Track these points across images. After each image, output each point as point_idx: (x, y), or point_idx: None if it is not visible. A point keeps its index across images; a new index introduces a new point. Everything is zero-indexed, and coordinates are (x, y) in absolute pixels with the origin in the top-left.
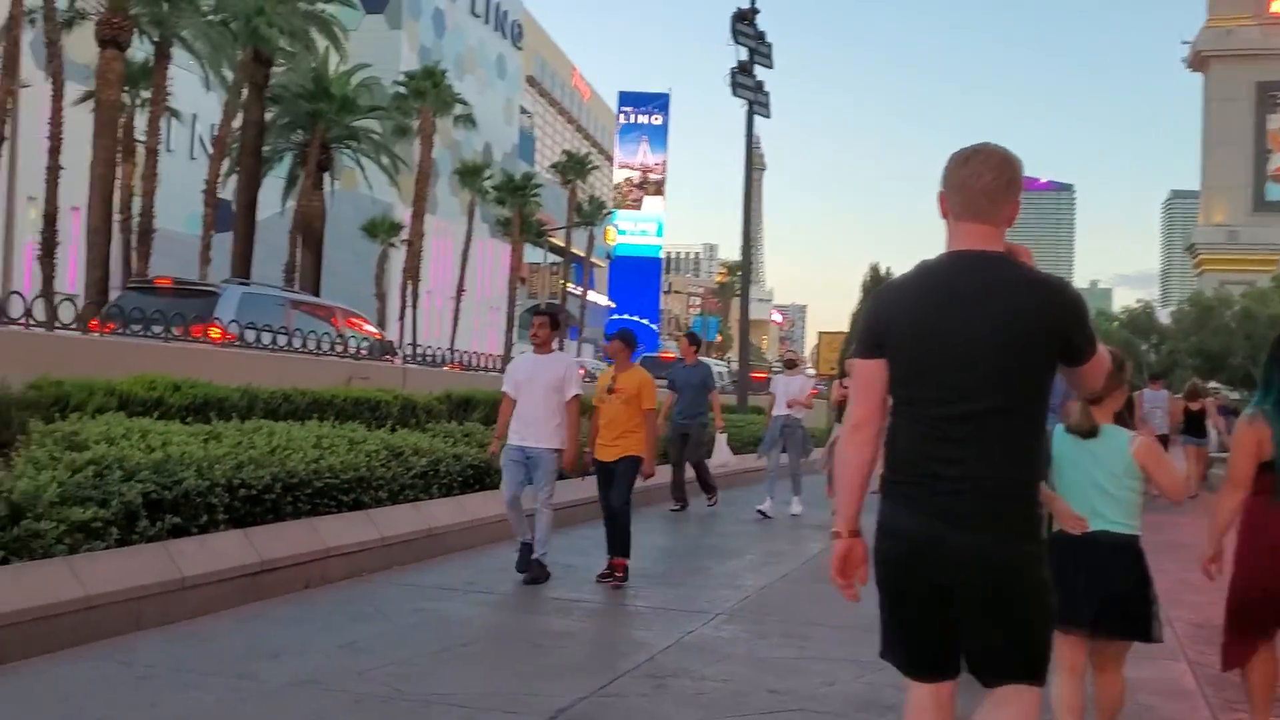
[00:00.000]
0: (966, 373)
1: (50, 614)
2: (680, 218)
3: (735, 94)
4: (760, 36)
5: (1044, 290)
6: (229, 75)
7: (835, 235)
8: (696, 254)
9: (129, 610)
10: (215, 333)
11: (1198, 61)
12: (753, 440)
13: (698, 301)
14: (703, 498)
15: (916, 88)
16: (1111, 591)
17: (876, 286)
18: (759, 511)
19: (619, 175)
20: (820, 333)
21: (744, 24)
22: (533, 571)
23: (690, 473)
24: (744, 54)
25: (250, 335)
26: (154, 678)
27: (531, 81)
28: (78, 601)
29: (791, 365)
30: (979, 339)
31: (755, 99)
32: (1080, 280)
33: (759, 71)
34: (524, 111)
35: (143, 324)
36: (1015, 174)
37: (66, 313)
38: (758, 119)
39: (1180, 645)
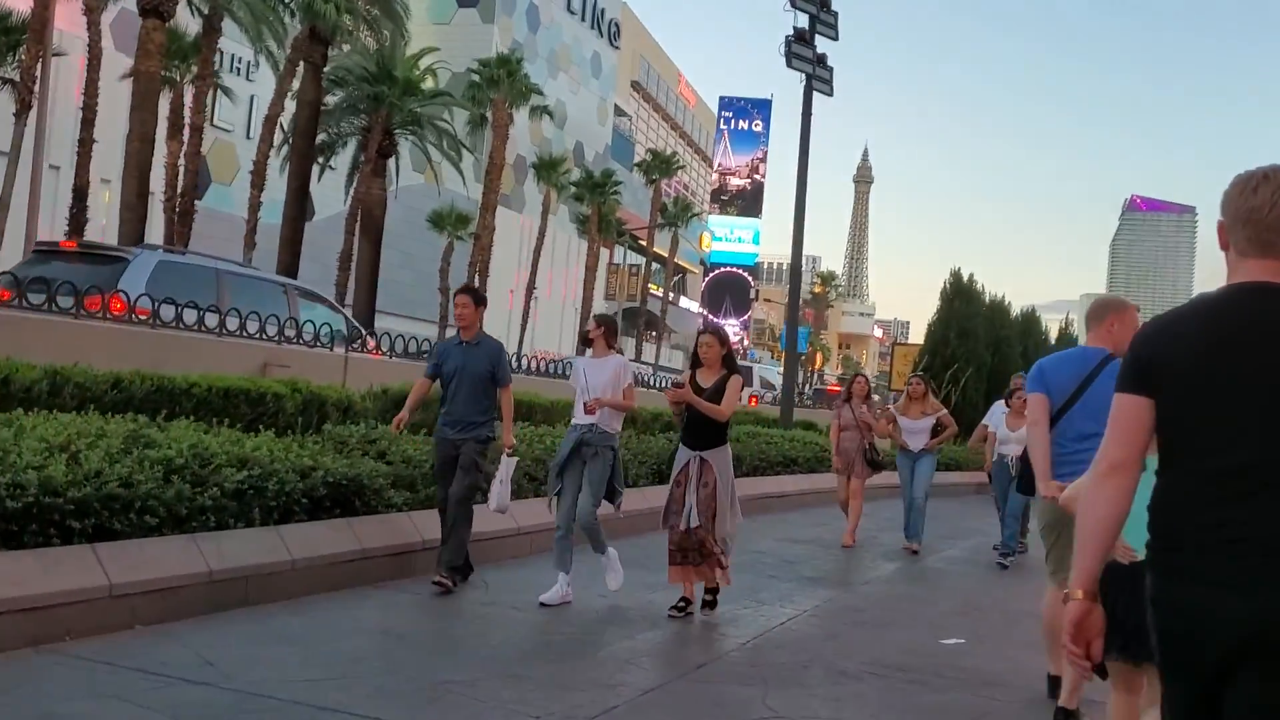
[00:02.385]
0: (1258, 419)
1: None
2: (781, 229)
3: (790, 65)
4: (824, 3)
5: None
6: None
7: (948, 252)
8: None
9: None
10: (116, 306)
11: None
12: (779, 461)
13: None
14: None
15: (1034, 102)
16: None
17: (958, 294)
18: (542, 603)
19: (717, 180)
20: (894, 345)
21: None
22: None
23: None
24: (804, 20)
25: (171, 312)
26: None
27: (636, 86)
28: None
29: (587, 341)
30: (1272, 381)
31: (814, 73)
32: None
33: (822, 44)
34: (621, 113)
35: (44, 295)
36: None
37: None
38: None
39: None
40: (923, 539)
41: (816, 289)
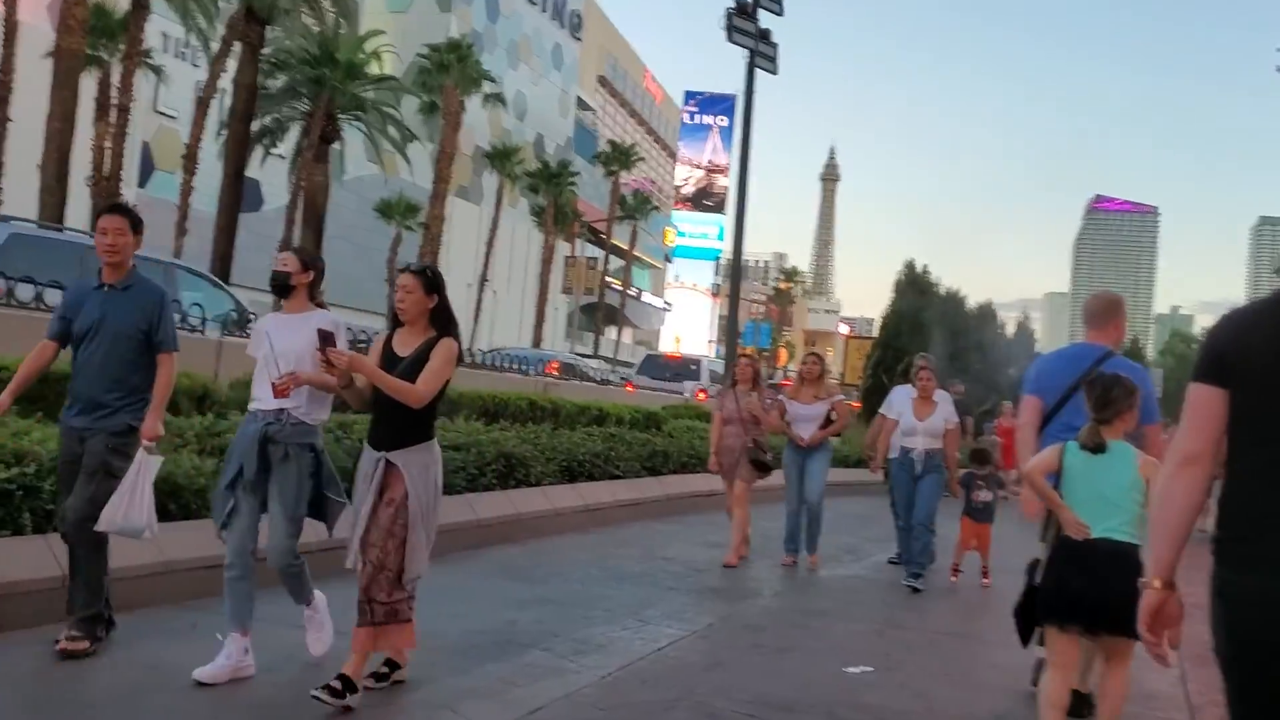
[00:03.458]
0: None
1: None
2: (750, 227)
3: (731, 40)
4: None
5: None
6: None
7: (914, 250)
8: (766, 262)
9: None
10: None
11: None
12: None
13: (761, 309)
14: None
15: (997, 98)
16: (1109, 593)
17: (911, 285)
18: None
19: (680, 174)
20: (847, 339)
21: None
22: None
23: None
24: None
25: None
26: None
27: (602, 81)
28: None
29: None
30: None
31: (757, 49)
32: (1161, 305)
33: (766, 20)
34: (586, 107)
35: None
36: None
37: None
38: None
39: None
40: (817, 549)
41: (782, 285)
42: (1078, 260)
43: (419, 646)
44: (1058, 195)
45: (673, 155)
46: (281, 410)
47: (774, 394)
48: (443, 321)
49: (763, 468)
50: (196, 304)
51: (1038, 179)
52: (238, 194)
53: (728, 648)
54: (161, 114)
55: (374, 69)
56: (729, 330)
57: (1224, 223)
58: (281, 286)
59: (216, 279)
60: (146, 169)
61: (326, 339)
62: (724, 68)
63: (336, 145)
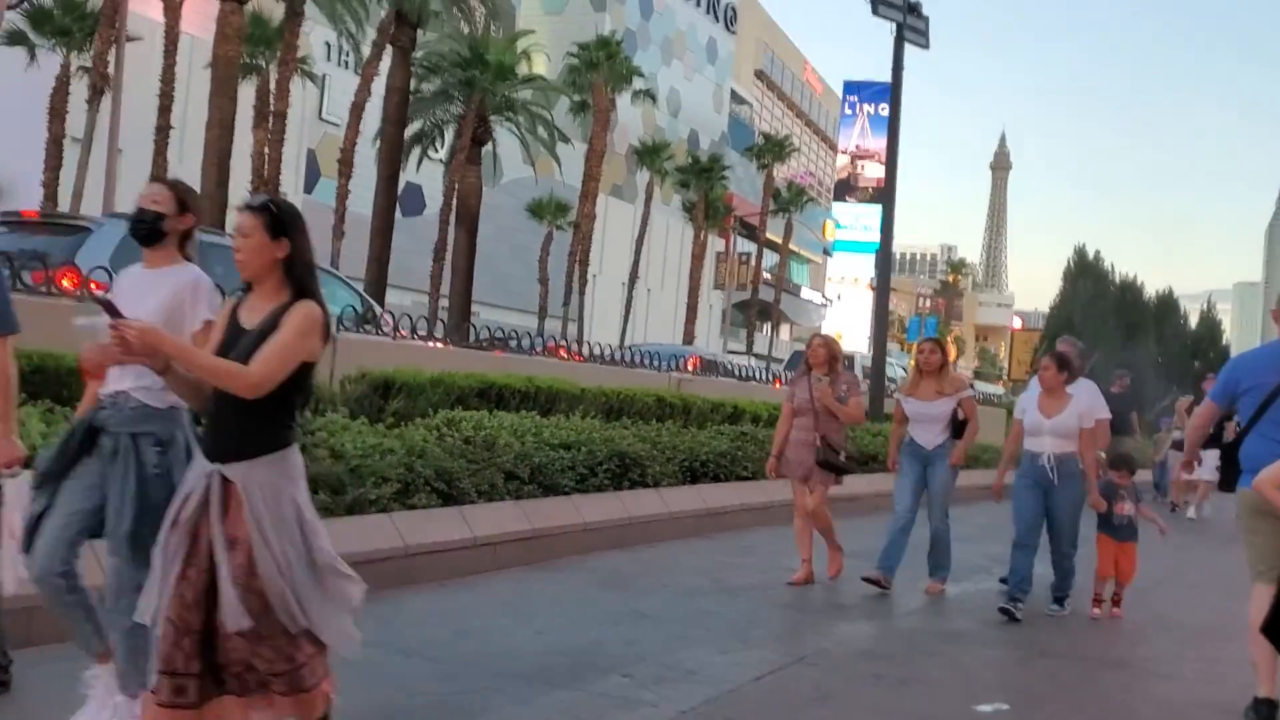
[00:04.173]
0: None
1: None
2: (917, 219)
3: (876, 12)
4: None
5: None
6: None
7: (1092, 242)
8: (934, 254)
9: None
10: (68, 281)
11: None
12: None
13: (927, 302)
14: None
15: (1181, 85)
16: None
17: (1083, 272)
18: None
19: (840, 164)
20: (1013, 332)
21: None
22: None
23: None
24: None
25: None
26: None
27: (759, 75)
28: None
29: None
30: None
31: (905, 21)
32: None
33: None
34: (742, 101)
35: None
36: None
37: None
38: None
39: None
40: (948, 571)
41: (950, 278)
42: (1271, 246)
43: (485, 668)
44: (1249, 180)
45: (833, 148)
46: (119, 392)
47: (854, 379)
48: (299, 278)
49: (836, 470)
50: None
51: (1228, 163)
52: (392, 197)
53: (839, 677)
54: (326, 121)
55: (524, 69)
56: (878, 319)
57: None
58: (150, 232)
59: (338, 274)
60: (312, 175)
61: (109, 307)
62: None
63: (490, 148)
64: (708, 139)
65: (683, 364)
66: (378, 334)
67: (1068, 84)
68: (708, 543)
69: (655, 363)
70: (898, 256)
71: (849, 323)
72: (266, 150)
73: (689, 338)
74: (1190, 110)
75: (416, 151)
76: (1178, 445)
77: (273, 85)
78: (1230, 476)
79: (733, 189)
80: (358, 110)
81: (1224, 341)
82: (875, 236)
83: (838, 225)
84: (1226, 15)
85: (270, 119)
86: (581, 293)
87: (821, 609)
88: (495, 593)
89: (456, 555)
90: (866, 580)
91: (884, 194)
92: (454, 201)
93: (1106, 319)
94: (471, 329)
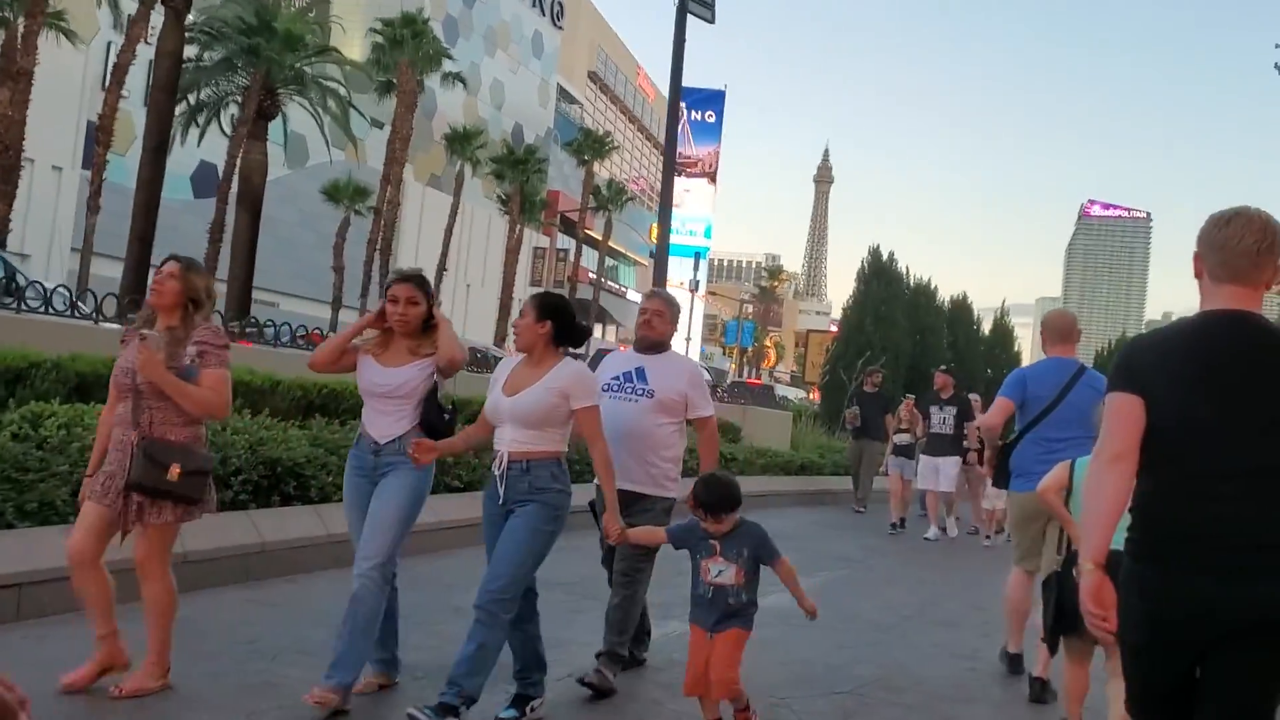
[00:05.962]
0: (1243, 431)
1: None
2: (734, 223)
3: None
4: None
5: None
6: None
7: (907, 254)
8: (758, 262)
9: None
10: None
11: None
12: None
13: (750, 308)
14: None
15: (993, 107)
16: None
17: (876, 274)
18: None
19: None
20: (809, 332)
21: None
22: None
23: None
24: None
25: None
26: None
27: (593, 77)
28: None
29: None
30: (1255, 398)
31: None
32: (1153, 312)
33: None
34: (573, 100)
35: None
36: (1276, 237)
37: None
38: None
39: None
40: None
41: (770, 284)
42: (1069, 266)
43: None
44: (1053, 201)
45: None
46: None
47: (216, 332)
48: None
49: (161, 493)
50: None
51: (1033, 185)
52: (159, 170)
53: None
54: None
55: (327, 45)
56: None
57: None
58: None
59: None
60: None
61: None
62: (714, 68)
63: (292, 127)
64: (533, 133)
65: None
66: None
67: (890, 104)
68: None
69: None
70: (723, 263)
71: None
72: (10, 113)
73: (501, 336)
74: (1005, 134)
75: (206, 127)
76: (900, 450)
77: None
78: (1003, 478)
79: (560, 186)
80: (120, 74)
81: (1016, 349)
82: (701, 241)
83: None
84: (1041, 43)
85: (16, 78)
86: (381, 283)
87: None
88: None
89: None
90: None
91: (664, 180)
92: (234, 179)
93: (898, 321)
94: (254, 321)
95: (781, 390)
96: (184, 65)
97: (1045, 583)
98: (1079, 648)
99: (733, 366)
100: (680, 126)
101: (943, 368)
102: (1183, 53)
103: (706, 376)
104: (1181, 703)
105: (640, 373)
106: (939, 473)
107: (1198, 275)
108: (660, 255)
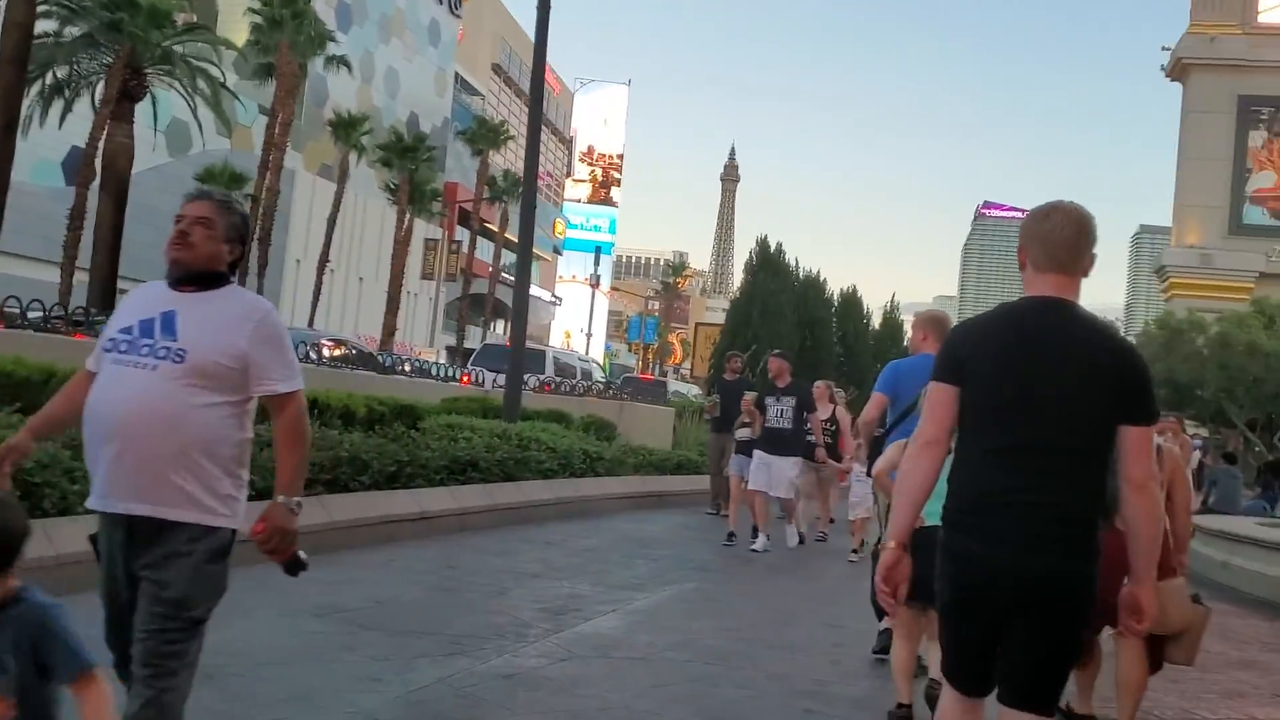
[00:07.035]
0: (1043, 408)
1: None
2: (640, 218)
3: None
4: None
5: (1118, 347)
6: None
7: (811, 253)
8: (666, 260)
9: None
10: None
11: (1177, 70)
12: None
13: (656, 305)
14: None
15: (888, 101)
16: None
17: (764, 266)
18: None
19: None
20: (697, 325)
21: None
22: None
23: None
24: None
25: None
26: None
27: (497, 69)
28: None
29: None
30: (1056, 380)
31: None
32: None
33: None
34: (474, 92)
35: None
36: (1093, 228)
37: None
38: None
39: None
40: None
41: (674, 281)
42: (965, 264)
43: None
44: (951, 202)
45: (568, 147)
46: None
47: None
48: None
49: None
50: None
51: (932, 186)
52: (9, 150)
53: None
54: None
55: (182, 16)
56: (517, 300)
57: (1106, 231)
58: None
59: None
60: None
61: None
62: (630, 68)
63: (171, 111)
64: (429, 123)
65: (316, 349)
66: None
67: (796, 105)
68: None
69: None
70: (631, 260)
71: (572, 321)
72: None
73: (389, 330)
74: (908, 135)
75: (69, 108)
76: (742, 447)
77: None
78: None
79: (459, 178)
80: None
81: (905, 343)
82: (606, 237)
83: (569, 225)
84: (944, 48)
85: None
86: (260, 274)
87: None
88: None
89: None
90: None
91: (528, 155)
92: (97, 163)
93: (785, 314)
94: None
95: (676, 386)
96: (44, 40)
97: (873, 554)
98: (907, 618)
99: (637, 363)
100: (581, 119)
101: (776, 351)
102: (1077, 56)
103: (287, 331)
104: (988, 660)
105: (167, 320)
106: (772, 473)
107: (1022, 266)
108: (526, 211)
